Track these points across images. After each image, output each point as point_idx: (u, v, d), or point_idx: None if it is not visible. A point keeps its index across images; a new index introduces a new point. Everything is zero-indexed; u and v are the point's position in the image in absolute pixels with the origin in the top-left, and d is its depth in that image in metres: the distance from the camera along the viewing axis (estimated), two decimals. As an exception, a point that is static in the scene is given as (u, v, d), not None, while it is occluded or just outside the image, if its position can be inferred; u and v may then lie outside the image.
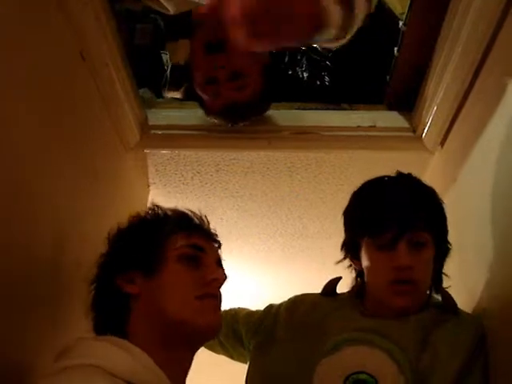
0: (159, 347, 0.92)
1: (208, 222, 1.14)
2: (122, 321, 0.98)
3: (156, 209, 1.12)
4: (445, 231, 1.22)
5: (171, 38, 1.53)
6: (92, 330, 1.02)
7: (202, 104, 1.55)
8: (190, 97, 1.61)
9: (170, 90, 1.61)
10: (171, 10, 1.43)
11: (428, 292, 1.23)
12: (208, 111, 1.56)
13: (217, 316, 1.01)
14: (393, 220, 1.14)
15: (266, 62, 1.50)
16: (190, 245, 1.03)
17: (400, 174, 1.24)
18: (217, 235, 1.14)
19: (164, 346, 0.93)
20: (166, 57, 1.78)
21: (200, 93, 1.49)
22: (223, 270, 1.08)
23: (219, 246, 1.14)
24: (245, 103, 1.48)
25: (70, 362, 0.83)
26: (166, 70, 1.73)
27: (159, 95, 1.85)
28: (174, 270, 0.99)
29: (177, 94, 1.62)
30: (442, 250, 1.22)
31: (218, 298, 1.03)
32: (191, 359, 1.00)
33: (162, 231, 1.05)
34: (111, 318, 1.00)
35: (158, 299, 0.96)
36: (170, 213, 1.12)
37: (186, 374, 0.99)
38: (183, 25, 1.49)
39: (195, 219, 1.12)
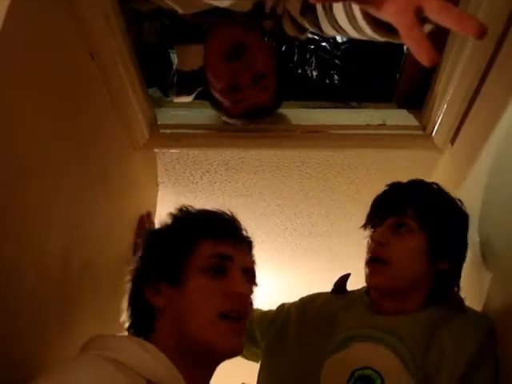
0: (180, 358, 0.91)
1: (239, 222, 1.10)
2: (147, 328, 0.99)
3: (184, 211, 1.10)
4: (445, 230, 1.24)
5: (181, 41, 1.52)
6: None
7: (221, 108, 1.55)
8: (204, 98, 1.60)
9: (180, 95, 1.60)
10: (181, 9, 1.43)
11: (428, 288, 1.23)
12: (230, 115, 1.57)
13: (239, 339, 0.97)
14: (381, 206, 1.29)
15: (277, 61, 1.51)
16: (216, 254, 1.00)
17: (411, 180, 1.34)
18: (248, 238, 1.10)
19: (185, 358, 0.93)
20: (174, 56, 1.77)
21: (221, 99, 1.49)
22: (252, 280, 1.05)
23: (250, 248, 1.10)
24: (268, 103, 1.51)
25: (88, 352, 0.85)
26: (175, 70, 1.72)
27: (168, 94, 1.85)
28: (198, 282, 0.97)
29: (187, 99, 1.62)
30: (442, 247, 1.23)
31: (242, 318, 0.98)
32: (212, 372, 0.99)
33: (188, 238, 1.02)
34: (139, 323, 1.03)
35: (181, 314, 0.95)
36: (197, 216, 1.09)
37: (206, 381, 0.98)
38: (195, 29, 1.49)
39: (224, 222, 1.08)
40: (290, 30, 1.46)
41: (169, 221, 1.09)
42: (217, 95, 1.50)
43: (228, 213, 1.10)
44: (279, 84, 1.50)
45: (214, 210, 1.10)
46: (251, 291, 1.03)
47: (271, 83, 1.48)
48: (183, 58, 1.52)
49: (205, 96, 1.58)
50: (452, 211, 1.27)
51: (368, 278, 1.23)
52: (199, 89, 1.57)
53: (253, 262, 1.09)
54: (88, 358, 0.82)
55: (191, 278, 0.97)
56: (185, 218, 1.09)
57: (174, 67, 1.62)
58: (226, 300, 0.96)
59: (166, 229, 1.09)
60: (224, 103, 1.51)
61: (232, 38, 1.39)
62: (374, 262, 1.21)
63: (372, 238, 1.26)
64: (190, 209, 1.11)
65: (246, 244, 1.09)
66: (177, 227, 1.08)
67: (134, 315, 1.05)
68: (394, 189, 1.31)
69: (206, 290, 0.96)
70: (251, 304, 1.04)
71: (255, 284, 1.06)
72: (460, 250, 1.27)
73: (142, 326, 1.01)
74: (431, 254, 1.20)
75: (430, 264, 1.21)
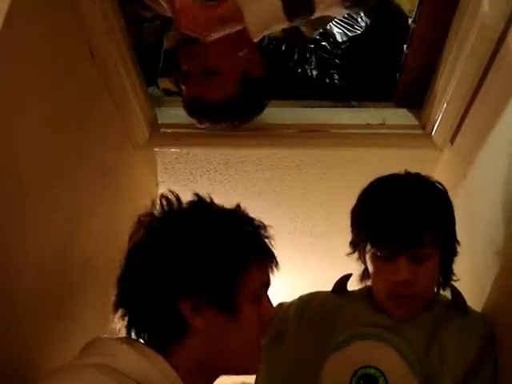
0: (194, 371, 0.88)
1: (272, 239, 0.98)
2: (168, 341, 0.88)
3: (238, 216, 0.96)
4: (451, 236, 1.20)
5: (169, 25, 1.53)
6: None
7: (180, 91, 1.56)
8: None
9: (162, 75, 1.59)
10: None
11: (436, 290, 1.22)
12: (183, 102, 1.55)
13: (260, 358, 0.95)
14: (395, 236, 1.11)
15: (248, 71, 1.47)
16: (264, 284, 0.93)
17: (408, 178, 1.20)
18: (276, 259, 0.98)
19: (200, 372, 0.89)
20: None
21: (179, 82, 1.50)
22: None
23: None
24: (209, 103, 1.47)
25: (87, 360, 0.82)
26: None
27: (168, 93, 1.85)
28: (250, 314, 0.90)
29: (169, 83, 1.61)
30: (449, 251, 1.21)
31: None
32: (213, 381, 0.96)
33: (242, 257, 0.90)
34: (162, 335, 0.89)
35: (227, 340, 0.89)
36: (247, 226, 0.95)
37: None
38: None
39: (268, 241, 0.96)
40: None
41: (215, 220, 0.94)
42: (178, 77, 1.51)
43: (265, 225, 0.98)
44: (241, 94, 1.47)
45: (257, 222, 0.97)
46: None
47: (225, 84, 1.45)
48: (167, 38, 1.53)
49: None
50: (449, 216, 1.20)
51: (392, 309, 1.17)
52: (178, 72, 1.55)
53: None
54: (83, 376, 0.77)
55: (244, 309, 0.89)
56: (238, 227, 0.94)
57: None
58: (263, 327, 0.94)
59: (215, 231, 0.91)
60: (179, 80, 1.52)
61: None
62: (401, 297, 1.15)
63: (388, 269, 1.14)
64: (241, 213, 0.97)
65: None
66: (231, 237, 0.91)
67: (158, 323, 0.89)
68: (402, 209, 1.13)
69: (255, 321, 0.91)
70: None
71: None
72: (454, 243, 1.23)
73: (166, 336, 0.88)
74: (442, 261, 1.19)
75: (440, 274, 1.20)
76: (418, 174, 1.21)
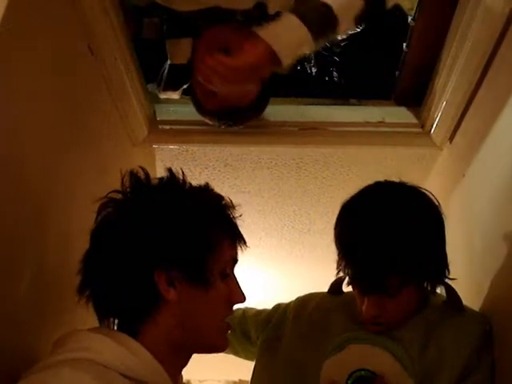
0: (171, 352, 0.89)
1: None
2: (139, 318, 0.89)
3: (206, 191, 0.98)
4: (432, 265, 1.13)
5: (172, 35, 1.52)
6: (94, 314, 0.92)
7: (197, 101, 1.52)
8: (186, 94, 1.59)
9: (166, 89, 1.58)
10: (177, 7, 1.43)
11: (428, 289, 1.20)
12: (203, 110, 1.53)
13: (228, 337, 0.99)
14: (364, 277, 1.10)
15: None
16: (233, 259, 0.96)
17: (390, 201, 1.12)
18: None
19: (173, 351, 0.90)
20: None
21: (199, 90, 1.48)
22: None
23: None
24: (241, 109, 1.47)
25: (64, 356, 0.80)
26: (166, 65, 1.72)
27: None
28: (220, 287, 0.92)
29: (173, 95, 1.60)
30: (431, 277, 1.15)
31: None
32: (188, 361, 0.97)
33: (215, 234, 0.92)
34: (135, 309, 0.89)
35: (197, 314, 0.90)
36: (218, 206, 0.97)
37: (183, 368, 0.97)
38: (186, 23, 1.49)
39: (233, 220, 0.98)
40: None
41: (188, 197, 0.94)
42: (196, 84, 1.47)
43: (233, 205, 1.00)
44: (261, 95, 1.48)
45: (223, 201, 0.98)
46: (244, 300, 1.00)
47: (250, 92, 1.45)
48: (173, 52, 1.52)
49: (188, 90, 1.55)
50: (436, 240, 1.14)
51: (370, 328, 1.16)
52: (185, 85, 1.55)
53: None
54: (62, 372, 0.75)
55: (215, 282, 0.91)
56: (211, 205, 0.95)
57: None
58: (230, 306, 0.96)
59: (189, 209, 0.91)
60: (200, 95, 1.48)
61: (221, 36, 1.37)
62: (374, 324, 1.15)
63: (360, 299, 1.14)
64: (212, 192, 0.98)
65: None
66: (204, 215, 0.92)
67: (131, 300, 0.88)
68: (372, 249, 1.06)
69: (223, 297, 0.93)
70: None
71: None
72: (443, 262, 1.16)
73: (139, 312, 0.89)
74: (424, 286, 1.17)
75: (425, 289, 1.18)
76: (405, 193, 1.15)
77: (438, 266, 1.14)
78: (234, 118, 1.53)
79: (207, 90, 1.38)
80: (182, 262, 0.88)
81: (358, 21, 1.28)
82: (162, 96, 1.63)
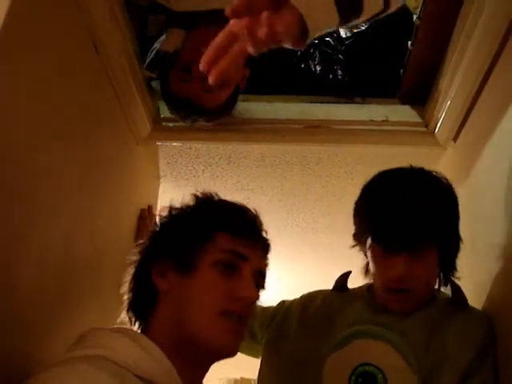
0: (175, 352, 0.89)
1: (260, 222, 1.05)
2: (147, 311, 0.96)
3: (208, 197, 1.05)
4: (453, 234, 1.20)
5: (170, 25, 1.53)
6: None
7: (166, 89, 1.55)
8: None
9: (147, 68, 1.60)
10: (175, 7, 1.44)
11: (436, 286, 1.22)
12: (166, 94, 1.56)
13: (236, 340, 0.94)
14: (394, 234, 1.13)
15: (240, 85, 1.54)
16: (233, 251, 0.96)
17: (412, 174, 1.21)
18: (267, 239, 1.06)
19: (180, 352, 0.90)
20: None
21: (174, 76, 1.50)
22: (262, 283, 1.02)
23: (267, 251, 1.06)
24: (202, 108, 1.51)
25: (79, 352, 0.82)
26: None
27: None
28: (208, 275, 0.93)
29: (152, 74, 1.62)
30: (450, 249, 1.21)
31: (242, 320, 0.95)
32: (205, 372, 0.96)
33: (207, 227, 0.97)
34: (139, 305, 0.99)
35: (184, 304, 0.92)
36: (220, 205, 1.04)
37: (198, 375, 0.95)
38: (184, 16, 1.49)
39: (245, 218, 1.03)
40: None
41: (191, 203, 1.04)
42: (173, 73, 1.50)
43: (251, 210, 1.05)
44: (230, 99, 1.54)
45: (238, 203, 1.05)
46: (258, 296, 1.00)
47: (224, 95, 1.50)
48: (165, 38, 1.53)
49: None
50: (452, 213, 1.20)
51: (390, 304, 1.19)
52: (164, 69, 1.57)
53: (266, 266, 1.05)
54: (78, 368, 0.76)
55: (202, 270, 0.93)
56: (207, 205, 1.03)
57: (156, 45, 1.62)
58: (231, 301, 0.93)
59: (185, 211, 1.03)
60: (173, 82, 1.51)
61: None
62: (398, 292, 1.16)
63: (386, 264, 1.16)
64: (215, 197, 1.05)
65: (264, 246, 1.05)
66: (197, 213, 1.02)
67: (135, 295, 1.00)
68: (402, 208, 1.13)
69: (213, 285, 0.93)
70: (253, 307, 1.01)
71: (263, 288, 1.04)
72: (456, 240, 1.23)
73: (143, 308, 0.97)
74: (442, 262, 1.19)
75: (440, 269, 1.20)
76: (422, 170, 1.21)
77: (457, 237, 1.20)
78: (195, 114, 1.56)
79: (182, 76, 1.45)
80: (171, 252, 0.96)
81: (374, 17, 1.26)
82: (145, 74, 1.64)
